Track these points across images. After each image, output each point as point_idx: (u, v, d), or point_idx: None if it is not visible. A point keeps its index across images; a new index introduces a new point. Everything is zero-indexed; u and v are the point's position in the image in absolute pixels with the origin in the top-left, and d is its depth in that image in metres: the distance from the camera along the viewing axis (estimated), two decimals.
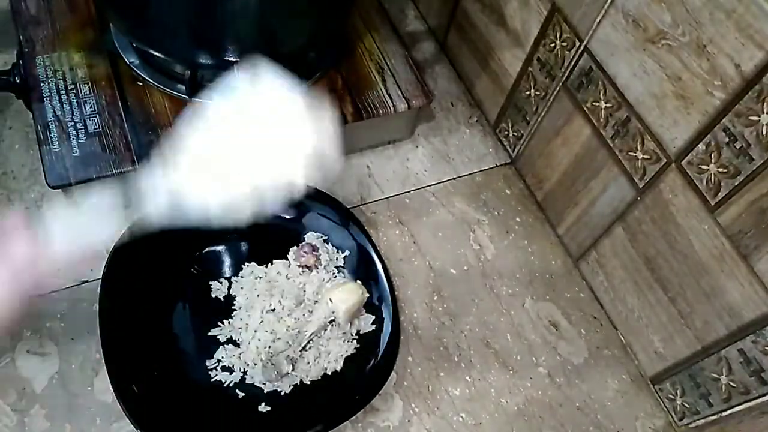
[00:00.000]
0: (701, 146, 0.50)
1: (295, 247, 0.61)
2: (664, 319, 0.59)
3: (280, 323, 0.56)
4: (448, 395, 0.60)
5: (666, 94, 0.52)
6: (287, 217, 0.62)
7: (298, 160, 0.43)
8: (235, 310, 0.58)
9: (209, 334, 0.57)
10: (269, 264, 0.60)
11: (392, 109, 0.67)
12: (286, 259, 0.61)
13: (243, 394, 0.55)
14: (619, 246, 0.62)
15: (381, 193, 0.70)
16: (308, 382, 0.56)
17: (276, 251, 0.61)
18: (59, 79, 0.62)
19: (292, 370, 0.56)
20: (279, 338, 0.55)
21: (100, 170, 0.57)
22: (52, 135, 0.58)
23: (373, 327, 0.59)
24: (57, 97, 0.60)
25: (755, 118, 0.46)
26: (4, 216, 0.39)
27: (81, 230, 0.40)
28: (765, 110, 0.45)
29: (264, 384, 0.55)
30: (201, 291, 0.59)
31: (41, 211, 0.39)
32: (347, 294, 0.56)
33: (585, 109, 0.61)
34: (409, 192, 0.71)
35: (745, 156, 0.47)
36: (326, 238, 0.62)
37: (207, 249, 0.61)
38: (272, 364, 0.55)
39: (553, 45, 0.63)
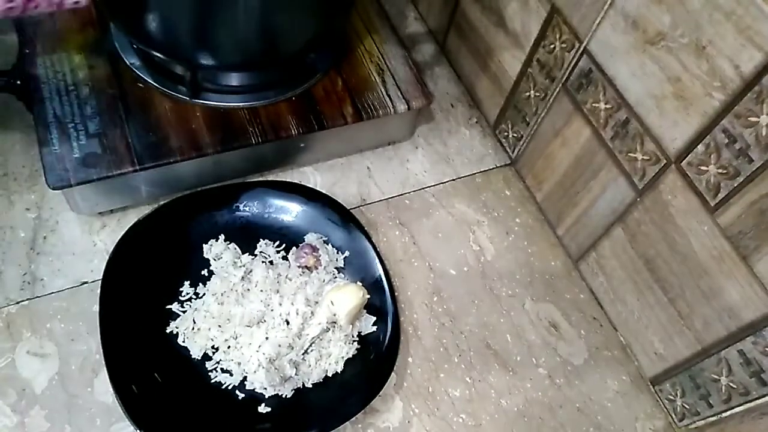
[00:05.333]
0: (701, 147, 0.50)
1: (295, 248, 0.62)
2: (664, 320, 0.59)
3: (282, 325, 0.56)
4: (448, 396, 0.60)
5: (665, 95, 0.52)
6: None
7: None
8: None
9: None
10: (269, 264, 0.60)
11: (392, 110, 0.67)
12: (286, 259, 0.61)
13: (243, 395, 0.55)
14: (619, 247, 0.62)
15: (381, 194, 0.70)
16: (310, 385, 0.56)
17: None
18: (60, 81, 0.62)
19: (296, 374, 0.56)
20: (281, 342, 0.55)
21: (101, 171, 0.57)
22: (52, 136, 0.58)
23: (374, 328, 0.59)
24: (57, 98, 0.60)
25: (755, 119, 0.46)
26: None
27: None
28: (764, 111, 0.45)
29: (265, 389, 0.55)
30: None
31: None
32: (348, 296, 0.56)
33: (584, 110, 0.61)
34: (409, 193, 0.71)
35: (744, 157, 0.47)
36: (326, 238, 0.62)
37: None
38: (275, 368, 0.55)
39: (552, 46, 0.63)
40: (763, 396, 0.51)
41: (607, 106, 0.58)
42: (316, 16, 0.62)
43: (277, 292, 0.58)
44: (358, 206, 0.69)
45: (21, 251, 0.61)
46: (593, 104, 0.60)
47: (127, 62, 0.64)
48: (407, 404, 0.59)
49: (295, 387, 0.56)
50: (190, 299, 0.58)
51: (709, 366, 0.56)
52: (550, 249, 0.70)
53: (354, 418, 0.54)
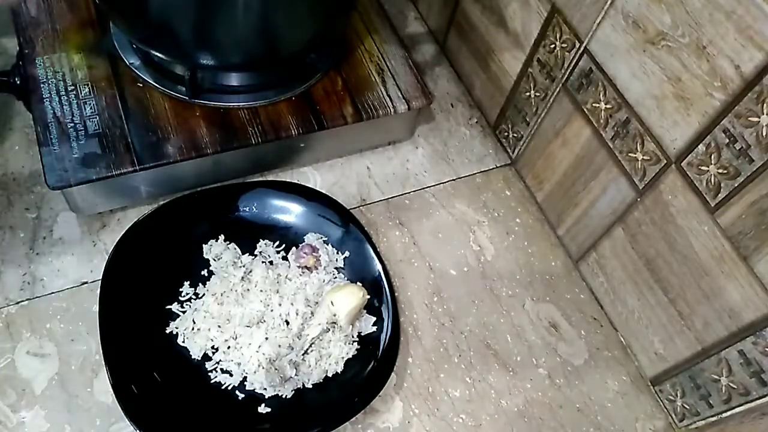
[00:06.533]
0: (701, 147, 0.50)
1: (294, 248, 0.62)
2: (664, 320, 0.59)
3: (282, 326, 0.56)
4: (448, 396, 0.60)
5: (666, 95, 0.52)
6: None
7: None
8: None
9: None
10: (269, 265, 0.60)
11: (392, 110, 0.67)
12: (286, 260, 0.61)
13: (243, 395, 0.55)
14: (619, 247, 0.62)
15: (381, 194, 0.70)
16: (310, 386, 0.56)
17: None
18: (59, 80, 0.62)
19: (296, 374, 0.56)
20: (281, 343, 0.55)
21: (100, 171, 0.57)
22: (52, 136, 0.58)
23: (374, 328, 0.59)
24: (57, 98, 0.60)
25: (755, 119, 0.46)
26: None
27: None
28: (765, 111, 0.45)
29: (265, 389, 0.55)
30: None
31: None
32: (348, 296, 0.56)
33: (585, 110, 0.61)
34: (409, 193, 0.71)
35: (745, 157, 0.47)
36: (326, 239, 0.62)
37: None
38: (275, 368, 0.55)
39: (553, 46, 0.63)
40: (764, 396, 0.51)
41: (608, 106, 0.58)
42: (316, 16, 0.61)
43: (277, 292, 0.58)
44: (358, 206, 0.69)
45: (21, 251, 0.60)
46: (593, 104, 0.60)
47: (127, 62, 0.64)
48: (407, 404, 0.58)
49: (295, 387, 0.56)
50: (189, 299, 0.58)
51: (709, 366, 0.55)
52: (551, 249, 0.70)
53: (354, 418, 0.54)
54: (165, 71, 0.63)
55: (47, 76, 0.62)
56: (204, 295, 0.58)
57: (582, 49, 0.59)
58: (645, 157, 0.56)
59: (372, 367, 0.57)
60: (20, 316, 0.57)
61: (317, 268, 0.60)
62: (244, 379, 0.55)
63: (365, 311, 0.59)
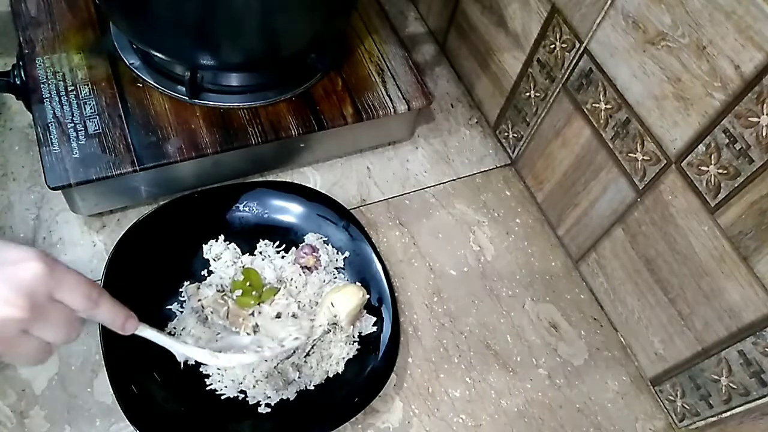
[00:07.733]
0: (701, 147, 0.50)
1: (294, 248, 0.62)
2: (664, 320, 0.59)
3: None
4: (448, 396, 0.60)
5: (666, 95, 0.52)
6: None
7: None
8: None
9: None
10: None
11: (392, 110, 0.67)
12: (285, 259, 0.61)
13: (243, 395, 0.55)
14: (619, 247, 0.62)
15: (381, 194, 0.70)
16: (312, 387, 0.56)
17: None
18: (59, 81, 0.62)
19: (298, 376, 0.56)
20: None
21: (100, 171, 0.57)
22: (52, 136, 0.58)
23: (374, 328, 0.59)
24: (57, 99, 0.60)
25: (755, 119, 0.46)
26: None
27: None
28: (765, 111, 0.45)
29: (269, 397, 0.55)
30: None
31: None
32: (348, 297, 0.56)
33: (585, 110, 0.61)
34: (409, 193, 0.71)
35: (745, 157, 0.47)
36: (326, 239, 0.62)
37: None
38: (278, 372, 0.55)
39: (553, 46, 0.63)
40: (763, 396, 0.51)
41: (608, 106, 0.58)
42: (316, 17, 0.61)
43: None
44: (358, 206, 0.69)
45: None
46: (593, 104, 0.60)
47: (127, 62, 0.64)
48: (407, 404, 0.58)
49: (298, 389, 0.56)
50: (189, 299, 0.58)
51: (709, 366, 0.55)
52: (551, 249, 0.70)
53: (354, 418, 0.54)
54: (165, 71, 0.63)
55: (47, 76, 0.62)
56: None
57: (582, 49, 0.59)
58: (645, 158, 0.56)
59: (372, 367, 0.57)
60: None
61: (317, 268, 0.60)
62: (245, 377, 0.55)
63: (365, 311, 0.59)
